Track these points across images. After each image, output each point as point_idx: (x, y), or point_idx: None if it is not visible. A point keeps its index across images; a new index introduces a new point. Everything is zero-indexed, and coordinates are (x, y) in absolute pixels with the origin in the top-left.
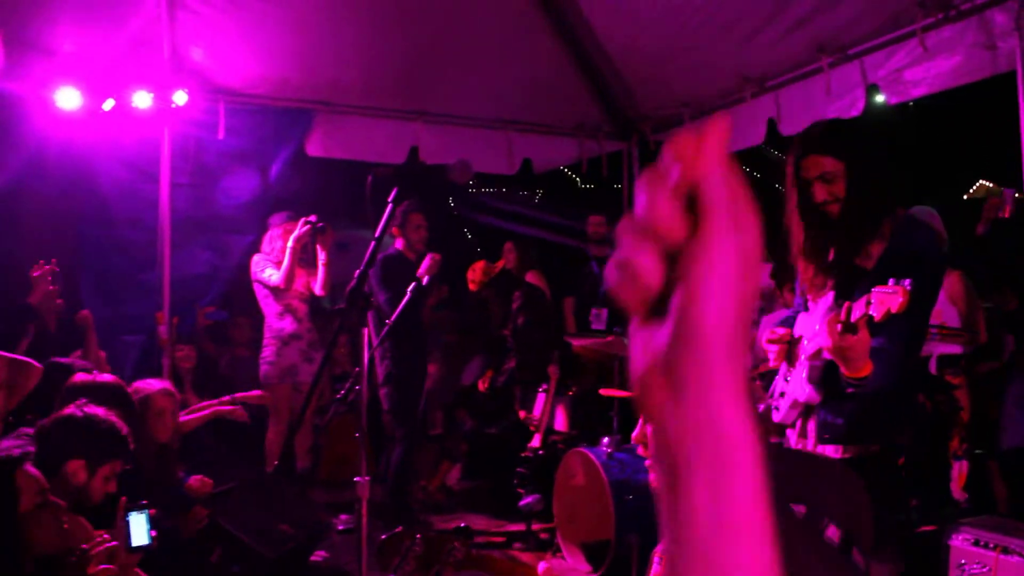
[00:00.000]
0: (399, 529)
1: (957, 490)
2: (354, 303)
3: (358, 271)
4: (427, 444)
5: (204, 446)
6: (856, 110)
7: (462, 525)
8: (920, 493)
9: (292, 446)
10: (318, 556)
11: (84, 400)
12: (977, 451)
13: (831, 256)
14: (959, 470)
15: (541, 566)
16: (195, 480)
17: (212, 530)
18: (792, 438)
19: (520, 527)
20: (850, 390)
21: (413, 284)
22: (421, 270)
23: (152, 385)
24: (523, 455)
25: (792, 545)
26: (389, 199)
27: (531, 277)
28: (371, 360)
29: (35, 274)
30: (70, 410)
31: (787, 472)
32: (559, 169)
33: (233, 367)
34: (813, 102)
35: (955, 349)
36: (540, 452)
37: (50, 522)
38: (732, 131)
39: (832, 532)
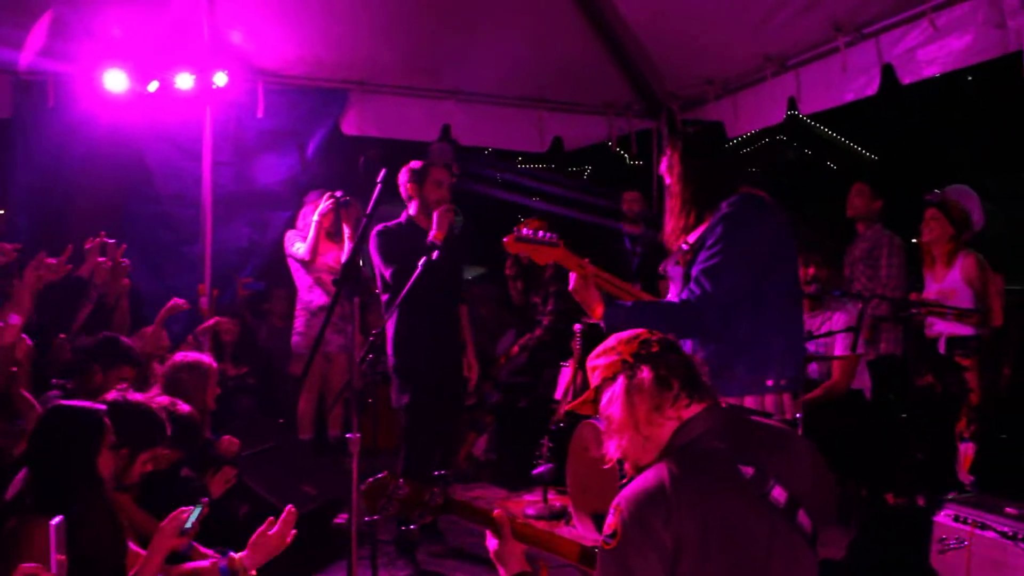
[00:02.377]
0: (383, 473)
1: (963, 472)
2: (347, 275)
3: (350, 244)
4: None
5: (237, 413)
6: (872, 89)
7: (443, 472)
8: (927, 475)
9: (324, 415)
10: (341, 519)
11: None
12: (1002, 436)
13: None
14: (965, 452)
15: (496, 510)
16: (224, 440)
17: (240, 489)
18: None
19: (537, 496)
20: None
21: (425, 257)
22: (432, 234)
23: (207, 358)
24: (548, 428)
25: (734, 502)
26: (378, 179)
27: None
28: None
29: (88, 246)
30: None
31: (741, 437)
32: (607, 146)
33: (271, 338)
34: (831, 81)
35: (967, 331)
36: (562, 425)
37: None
38: (753, 110)
39: (778, 493)
